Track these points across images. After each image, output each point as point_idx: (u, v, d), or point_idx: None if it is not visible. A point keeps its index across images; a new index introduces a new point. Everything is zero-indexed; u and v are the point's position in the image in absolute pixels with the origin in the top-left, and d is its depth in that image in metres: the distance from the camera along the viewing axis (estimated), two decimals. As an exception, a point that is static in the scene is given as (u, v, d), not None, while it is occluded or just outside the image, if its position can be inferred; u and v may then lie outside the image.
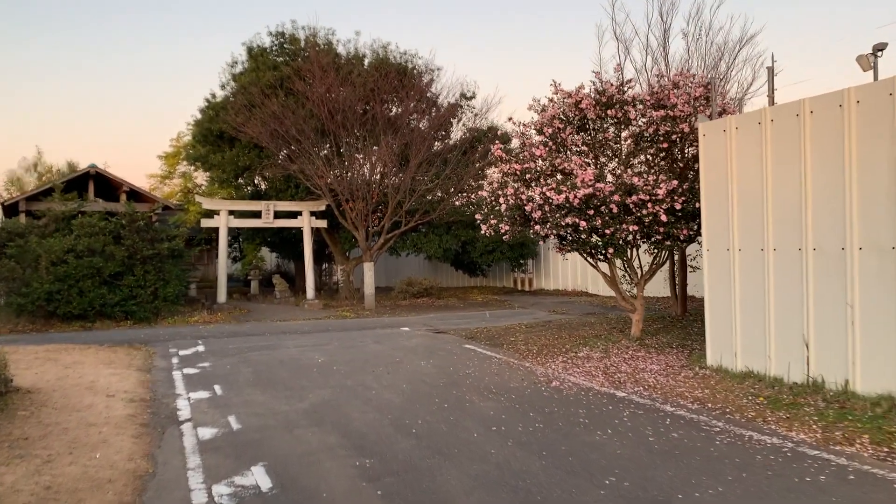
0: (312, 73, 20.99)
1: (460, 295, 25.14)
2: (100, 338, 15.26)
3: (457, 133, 23.99)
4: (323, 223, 23.14)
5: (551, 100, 11.59)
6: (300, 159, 21.28)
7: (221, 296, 21.40)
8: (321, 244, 27.33)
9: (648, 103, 10.41)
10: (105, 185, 21.82)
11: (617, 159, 11.02)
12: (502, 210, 11.60)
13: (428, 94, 23.23)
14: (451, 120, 23.82)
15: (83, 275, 17.06)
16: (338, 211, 22.58)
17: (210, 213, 22.23)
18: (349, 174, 22.45)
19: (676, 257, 13.92)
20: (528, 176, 10.69)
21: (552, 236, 10.59)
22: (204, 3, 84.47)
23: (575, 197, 9.83)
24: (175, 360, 12.31)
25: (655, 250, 11.28)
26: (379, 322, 17.97)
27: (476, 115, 23.99)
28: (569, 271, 25.36)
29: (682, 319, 13.95)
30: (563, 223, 10.07)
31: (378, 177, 22.39)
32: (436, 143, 23.25)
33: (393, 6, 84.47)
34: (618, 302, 11.97)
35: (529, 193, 10.52)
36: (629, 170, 10.27)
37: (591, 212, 10.05)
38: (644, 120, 10.40)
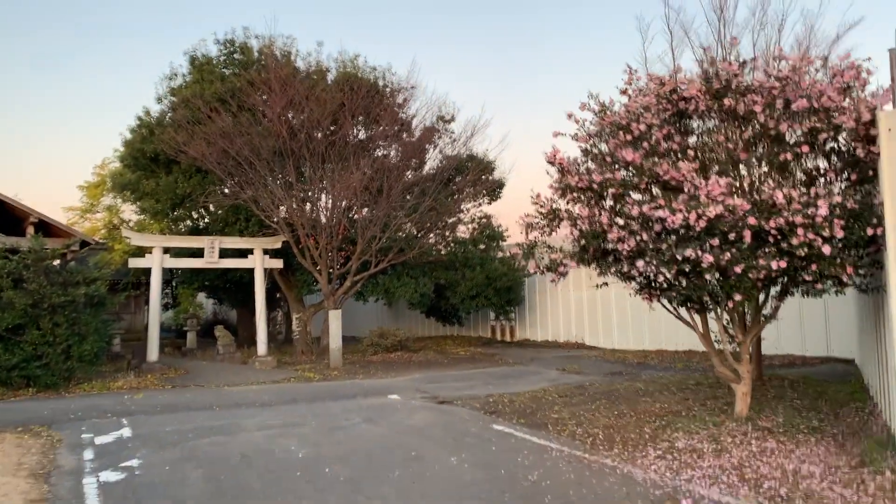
0: (270, 85, 17.61)
1: (436, 347, 21.70)
2: (-15, 416, 11.27)
3: (433, 161, 20.85)
4: (278, 263, 19.49)
5: (624, 91, 8.56)
6: (253, 186, 17.72)
7: (153, 353, 17.41)
8: (270, 289, 23.55)
9: (774, 92, 7.50)
10: (6, 215, 17.70)
11: (719, 168, 7.99)
12: (566, 240, 8.43)
13: (402, 116, 20.12)
14: (427, 146, 20.70)
15: (-31, 329, 13.04)
16: (297, 249, 19.01)
17: (141, 252, 18.33)
18: (309, 206, 19.03)
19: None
20: (611, 191, 7.56)
21: (660, 276, 7.34)
22: (137, 16, 79.39)
23: (700, 218, 6.73)
24: (89, 456, 8.55)
25: (779, 295, 8.18)
26: (355, 386, 14.39)
27: (454, 140, 20.92)
28: (560, 320, 22.25)
29: (767, 385, 10.94)
30: (680, 257, 6.92)
31: (345, 209, 19.00)
32: (411, 172, 20.06)
33: (360, 20, 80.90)
34: (716, 368, 8.87)
35: (616, 219, 7.35)
36: (769, 180, 7.30)
37: (716, 241, 6.95)
38: (768, 113, 7.44)
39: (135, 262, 18.11)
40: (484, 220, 22.29)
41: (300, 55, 19.84)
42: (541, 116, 73.69)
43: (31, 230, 17.10)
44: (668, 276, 7.20)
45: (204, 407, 12.02)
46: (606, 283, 8.95)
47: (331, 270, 19.41)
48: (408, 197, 19.16)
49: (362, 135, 20.07)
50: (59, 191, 66.80)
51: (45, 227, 17.55)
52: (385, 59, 37.62)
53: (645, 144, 7.72)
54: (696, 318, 8.71)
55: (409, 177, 19.85)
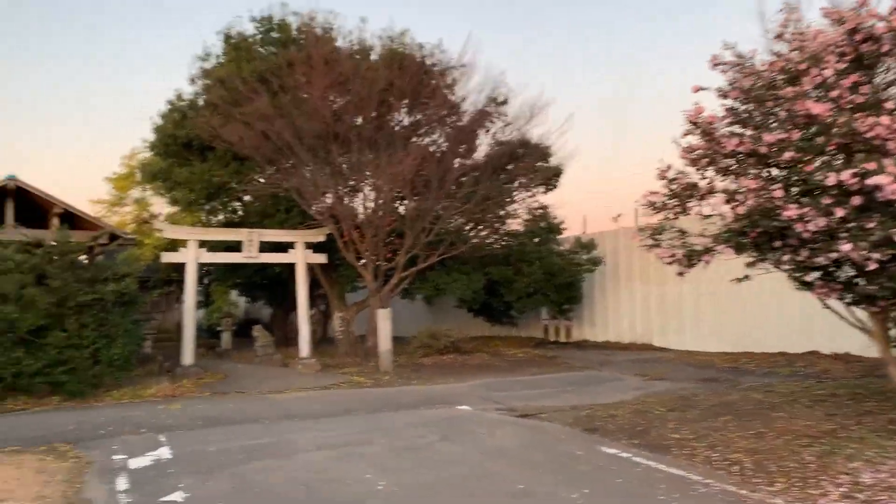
0: (312, 64, 16.09)
1: (488, 349, 20.05)
2: (4, 430, 9.87)
3: (485, 147, 19.17)
4: (321, 258, 17.96)
5: (779, 35, 6.90)
6: (296, 173, 16.23)
7: (187, 355, 15.96)
8: (310, 285, 22.07)
9: None
10: (29, 205, 16.35)
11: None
12: (709, 221, 6.81)
13: (452, 98, 18.47)
14: (478, 131, 19.04)
15: (-12, 330, 11.67)
16: (342, 242, 17.49)
17: (174, 246, 16.94)
18: (350, 195, 17.49)
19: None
20: (787, 155, 5.90)
21: (869, 262, 5.64)
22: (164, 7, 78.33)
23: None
24: (123, 485, 7.07)
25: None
26: (414, 393, 12.84)
27: (508, 124, 19.21)
28: (624, 319, 20.50)
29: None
30: (899, 238, 5.28)
31: (393, 199, 17.46)
32: (460, 159, 18.42)
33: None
34: (894, 380, 7.19)
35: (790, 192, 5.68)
36: None
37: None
38: None
39: (168, 257, 16.69)
40: (540, 212, 20.60)
41: (341, 32, 18.31)
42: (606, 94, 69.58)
43: (55, 222, 15.73)
44: (875, 263, 5.52)
45: (249, 419, 10.53)
46: (749, 277, 7.28)
47: (377, 266, 17.89)
48: (452, 187, 17.56)
49: (408, 119, 18.50)
50: (85, 184, 65.33)
51: (71, 219, 16.19)
52: (434, 36, 34.98)
53: (833, 94, 6.05)
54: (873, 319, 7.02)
55: (458, 165, 18.25)
